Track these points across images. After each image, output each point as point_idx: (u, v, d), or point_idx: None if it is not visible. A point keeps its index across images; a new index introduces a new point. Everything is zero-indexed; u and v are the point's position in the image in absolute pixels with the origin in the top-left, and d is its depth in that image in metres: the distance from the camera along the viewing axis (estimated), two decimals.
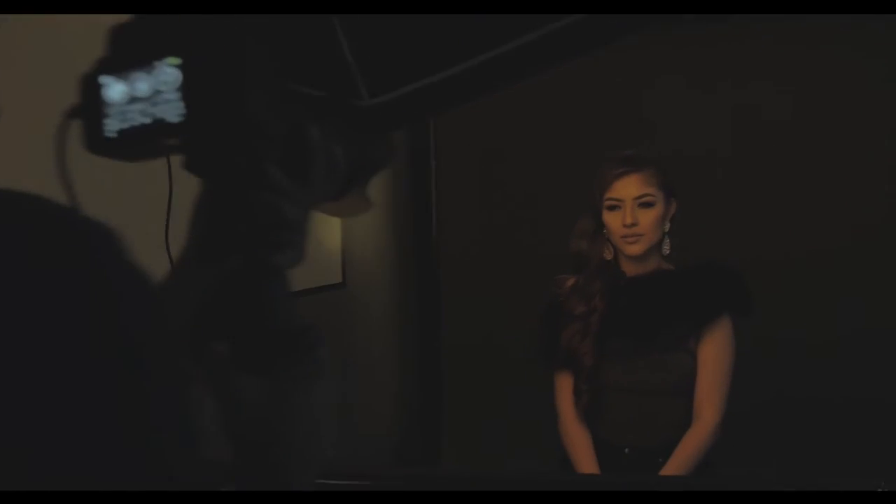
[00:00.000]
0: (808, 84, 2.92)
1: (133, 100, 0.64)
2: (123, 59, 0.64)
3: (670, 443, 2.01)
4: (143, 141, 0.65)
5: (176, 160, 0.69)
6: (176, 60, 0.62)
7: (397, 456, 3.79)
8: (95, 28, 0.70)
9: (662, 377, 2.01)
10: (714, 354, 2.01)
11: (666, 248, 2.05)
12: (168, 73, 0.62)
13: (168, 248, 0.74)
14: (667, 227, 2.05)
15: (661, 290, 2.04)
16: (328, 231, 3.48)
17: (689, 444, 1.99)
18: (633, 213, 1.99)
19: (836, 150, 2.91)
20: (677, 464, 1.97)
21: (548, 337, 2.11)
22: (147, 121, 0.63)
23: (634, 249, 2.01)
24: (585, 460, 2.03)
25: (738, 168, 3.00)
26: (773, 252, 2.88)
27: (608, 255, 2.07)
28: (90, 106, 0.65)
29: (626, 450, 2.04)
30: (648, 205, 2.00)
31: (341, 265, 3.59)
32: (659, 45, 2.81)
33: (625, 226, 1.99)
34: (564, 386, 2.08)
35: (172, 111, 0.62)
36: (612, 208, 2.02)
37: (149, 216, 0.82)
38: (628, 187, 2.00)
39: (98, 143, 0.65)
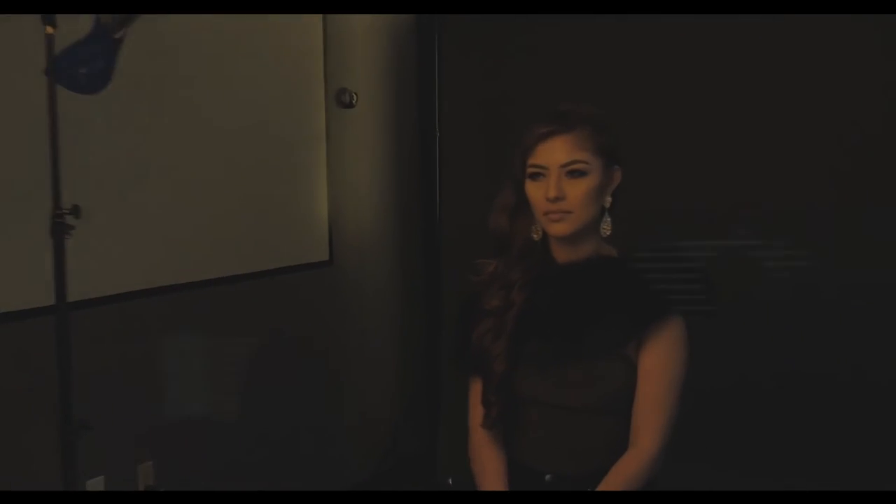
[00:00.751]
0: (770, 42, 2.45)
1: None
2: None
3: (601, 470, 1.60)
4: None
5: None
6: None
7: (392, 444, 3.53)
8: None
9: (591, 390, 1.60)
10: (659, 364, 1.59)
11: (605, 229, 1.64)
12: None
13: None
14: (607, 202, 1.63)
15: (596, 280, 1.63)
16: (313, 204, 3.22)
17: (619, 474, 1.58)
18: (558, 183, 1.58)
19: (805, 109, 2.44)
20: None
21: (460, 335, 1.73)
22: None
23: (559, 229, 1.60)
24: (493, 486, 1.66)
25: (699, 130, 2.48)
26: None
27: (536, 236, 1.68)
28: None
29: (547, 476, 1.65)
30: (579, 173, 1.59)
31: (328, 242, 3.34)
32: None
33: (548, 199, 1.59)
34: (474, 396, 1.71)
35: None
36: (534, 177, 1.62)
37: None
38: (554, 152, 1.59)
39: None
